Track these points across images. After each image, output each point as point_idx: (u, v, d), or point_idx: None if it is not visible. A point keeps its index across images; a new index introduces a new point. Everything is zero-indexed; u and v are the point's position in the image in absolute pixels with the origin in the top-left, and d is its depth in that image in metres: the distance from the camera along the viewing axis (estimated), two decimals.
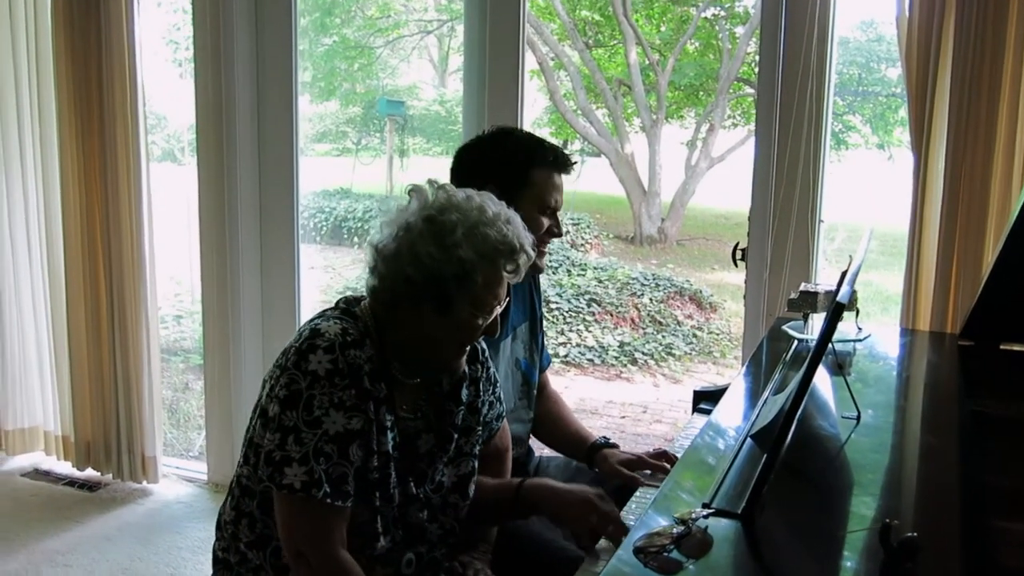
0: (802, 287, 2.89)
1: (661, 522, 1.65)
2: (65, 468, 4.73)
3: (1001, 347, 2.83)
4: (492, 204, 2.01)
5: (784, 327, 2.94)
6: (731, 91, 11.28)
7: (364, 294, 2.09)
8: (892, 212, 4.14)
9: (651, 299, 9.24)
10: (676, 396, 7.79)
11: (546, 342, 2.92)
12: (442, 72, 12.37)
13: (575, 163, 2.61)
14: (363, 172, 11.18)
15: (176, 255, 6.09)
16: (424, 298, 1.96)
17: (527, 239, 2.01)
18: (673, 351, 8.70)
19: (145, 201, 4.30)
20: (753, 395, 2.49)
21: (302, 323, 2.06)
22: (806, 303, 2.84)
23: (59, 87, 4.29)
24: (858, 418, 2.16)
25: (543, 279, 3.42)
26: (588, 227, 10.93)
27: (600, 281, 9.35)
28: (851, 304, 2.74)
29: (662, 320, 9.10)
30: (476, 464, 2.22)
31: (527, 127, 4.21)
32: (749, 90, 10.98)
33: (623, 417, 7.33)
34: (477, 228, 1.94)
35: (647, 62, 11.17)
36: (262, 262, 4.42)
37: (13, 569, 3.82)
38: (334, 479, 1.89)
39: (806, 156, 3.42)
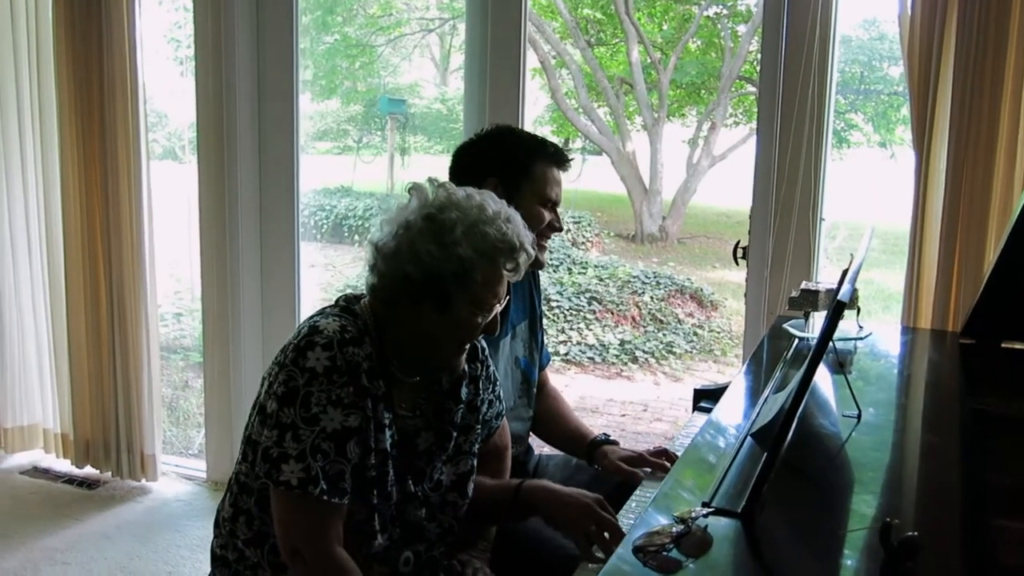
0: (803, 285, 2.88)
1: (661, 521, 1.64)
2: (64, 466, 4.73)
3: (1002, 345, 2.82)
4: (492, 202, 2.00)
5: (785, 325, 2.94)
6: (733, 89, 11.28)
7: (364, 292, 2.09)
8: (894, 210, 4.14)
9: (652, 297, 9.24)
10: (677, 394, 7.79)
11: (546, 340, 2.92)
12: (443, 70, 12.37)
13: (572, 159, 2.62)
14: (364, 170, 11.17)
15: (176, 253, 6.10)
16: (423, 296, 1.96)
17: (527, 237, 2.01)
18: (674, 349, 8.70)
19: (145, 199, 4.29)
20: (754, 393, 2.48)
21: (302, 321, 2.06)
22: (807, 301, 2.83)
23: (60, 85, 4.29)
24: (859, 416, 2.16)
25: (543, 277, 3.42)
26: (589, 225, 10.93)
27: (601, 279, 9.35)
28: (852, 302, 2.73)
29: (663, 318, 9.09)
30: (475, 463, 2.22)
31: (528, 125, 4.21)
32: (751, 88, 10.98)
33: (623, 415, 7.33)
34: (477, 226, 1.94)
35: (649, 60, 11.17)
36: (262, 260, 4.41)
37: (12, 567, 3.82)
38: (331, 476, 1.89)
39: (807, 154, 3.41)
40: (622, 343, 8.66)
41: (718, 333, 9.17)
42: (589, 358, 8.48)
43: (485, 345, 2.27)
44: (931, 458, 2.04)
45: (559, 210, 2.58)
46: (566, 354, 8.46)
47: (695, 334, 9.02)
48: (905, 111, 3.23)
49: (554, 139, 2.93)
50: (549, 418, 2.84)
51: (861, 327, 2.91)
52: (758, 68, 3.60)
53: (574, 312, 8.88)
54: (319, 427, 1.88)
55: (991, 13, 2.95)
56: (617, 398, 7.73)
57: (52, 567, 3.84)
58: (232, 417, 4.44)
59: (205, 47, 4.21)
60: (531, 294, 2.77)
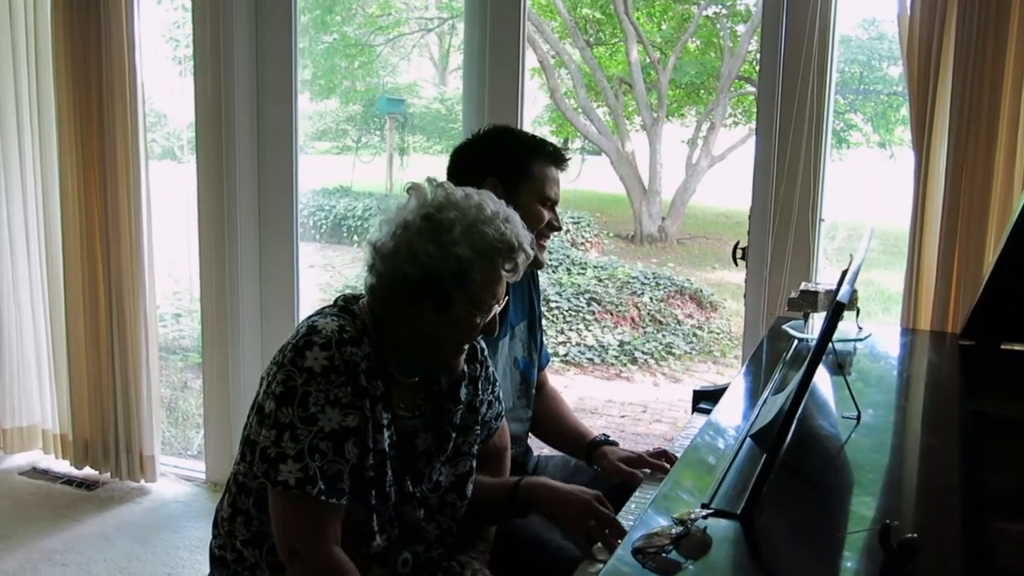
0: (802, 286, 2.88)
1: (660, 522, 1.64)
2: (63, 467, 4.72)
3: (1002, 347, 2.82)
4: (491, 202, 2.00)
5: (784, 326, 2.94)
6: (732, 89, 11.28)
7: (363, 292, 2.08)
8: (893, 211, 4.13)
9: (651, 298, 9.24)
10: (676, 395, 7.78)
11: (545, 341, 2.92)
12: (442, 70, 12.37)
13: (570, 158, 2.62)
14: (363, 170, 11.17)
15: (175, 253, 6.09)
16: (422, 296, 1.96)
17: (526, 238, 2.01)
18: (673, 350, 8.69)
19: (144, 199, 4.29)
20: (753, 395, 2.48)
21: (300, 321, 2.05)
22: (806, 302, 2.83)
23: (58, 85, 4.28)
24: (858, 418, 2.15)
25: (543, 277, 3.43)
26: (588, 226, 10.93)
27: (600, 280, 9.34)
28: (851, 303, 2.73)
29: (662, 319, 9.09)
30: (474, 464, 2.22)
31: (527, 125, 4.21)
32: (750, 88, 10.98)
33: (623, 416, 7.32)
34: (475, 226, 1.94)
35: (648, 60, 11.17)
36: (261, 260, 4.41)
37: (10, 568, 3.81)
38: (329, 476, 1.89)
39: (807, 154, 3.41)
40: (621, 344, 8.66)
41: (717, 334, 9.17)
42: (588, 359, 8.47)
43: (484, 346, 2.27)
44: (931, 460, 2.04)
45: (557, 209, 2.58)
46: (565, 355, 8.46)
47: (694, 335, 9.02)
48: (905, 111, 3.22)
49: (553, 139, 2.93)
50: (548, 418, 2.83)
51: (860, 328, 2.91)
52: (757, 68, 3.60)
53: (573, 313, 8.88)
54: (317, 427, 1.88)
55: (990, 13, 2.95)
56: (616, 399, 7.72)
57: (51, 568, 3.83)
58: (231, 418, 4.43)
59: (204, 47, 4.21)
60: (530, 295, 2.77)
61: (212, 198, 4.32)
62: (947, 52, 3.03)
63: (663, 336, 8.87)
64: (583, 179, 11.08)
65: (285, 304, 4.42)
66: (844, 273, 2.29)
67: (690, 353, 8.78)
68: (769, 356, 2.83)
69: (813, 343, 1.86)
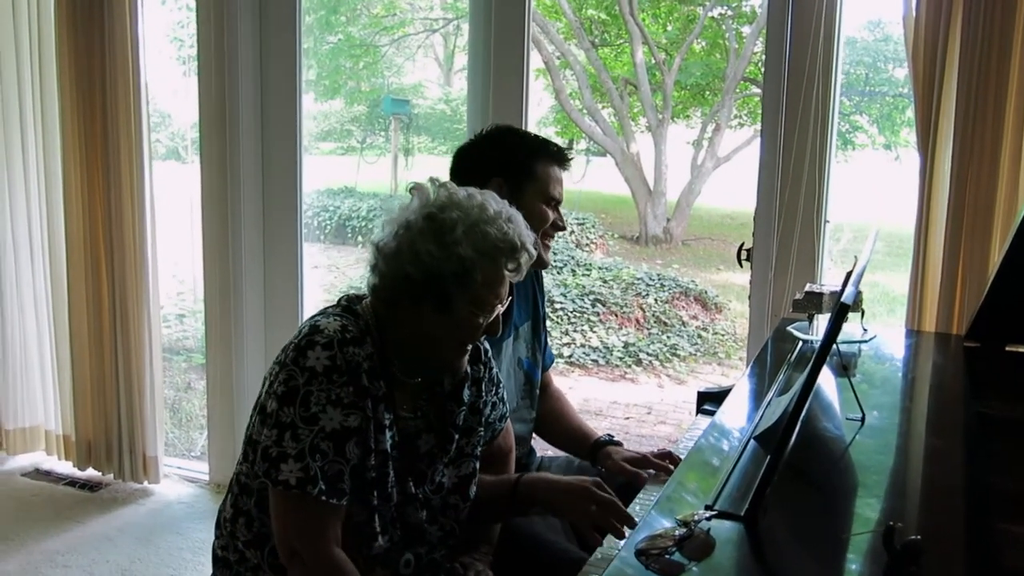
0: (807, 288, 2.88)
1: (664, 523, 1.63)
2: (66, 468, 4.72)
3: (1007, 349, 2.81)
4: (493, 202, 2.00)
5: (789, 328, 2.93)
6: (737, 91, 11.27)
7: (366, 292, 2.08)
8: (898, 213, 4.12)
9: (656, 299, 9.23)
10: (681, 397, 7.78)
11: (550, 342, 2.91)
12: (447, 71, 12.38)
13: (573, 157, 2.62)
14: (367, 171, 11.18)
15: (179, 253, 6.09)
16: (424, 296, 1.95)
17: (529, 238, 2.00)
18: (678, 352, 8.69)
19: (148, 199, 4.29)
20: (757, 396, 2.48)
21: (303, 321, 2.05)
22: (811, 304, 2.83)
23: (62, 84, 4.28)
24: (862, 419, 2.15)
25: (547, 278, 3.43)
26: (593, 227, 10.92)
27: (605, 281, 9.34)
28: (856, 305, 2.73)
29: (667, 321, 9.08)
30: (477, 465, 2.21)
31: (532, 126, 4.20)
32: (756, 90, 10.97)
33: (627, 418, 7.32)
34: (478, 226, 1.93)
35: (653, 61, 11.17)
36: (265, 261, 4.41)
37: (13, 569, 3.81)
38: (330, 476, 1.88)
39: (812, 156, 3.41)
40: (626, 345, 8.65)
41: (722, 335, 9.16)
42: (593, 360, 8.47)
43: (488, 347, 2.26)
44: (935, 461, 2.04)
45: (562, 209, 2.58)
46: (570, 356, 8.45)
47: (699, 336, 9.01)
48: (910, 113, 3.21)
49: (558, 140, 2.93)
50: (552, 419, 2.83)
51: (865, 330, 2.91)
52: (763, 69, 3.59)
53: (578, 314, 8.88)
54: (318, 426, 1.87)
55: (996, 15, 2.94)
56: (621, 400, 7.72)
57: (53, 570, 3.83)
58: (235, 419, 4.43)
59: (208, 47, 4.21)
60: (534, 295, 2.76)
61: (216, 198, 4.32)
62: (952, 54, 3.03)
63: (668, 337, 8.87)
64: (588, 180, 11.09)
65: (289, 305, 4.42)
66: (848, 275, 2.29)
67: (695, 355, 8.77)
68: (773, 358, 2.82)
69: (818, 345, 1.85)
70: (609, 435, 2.71)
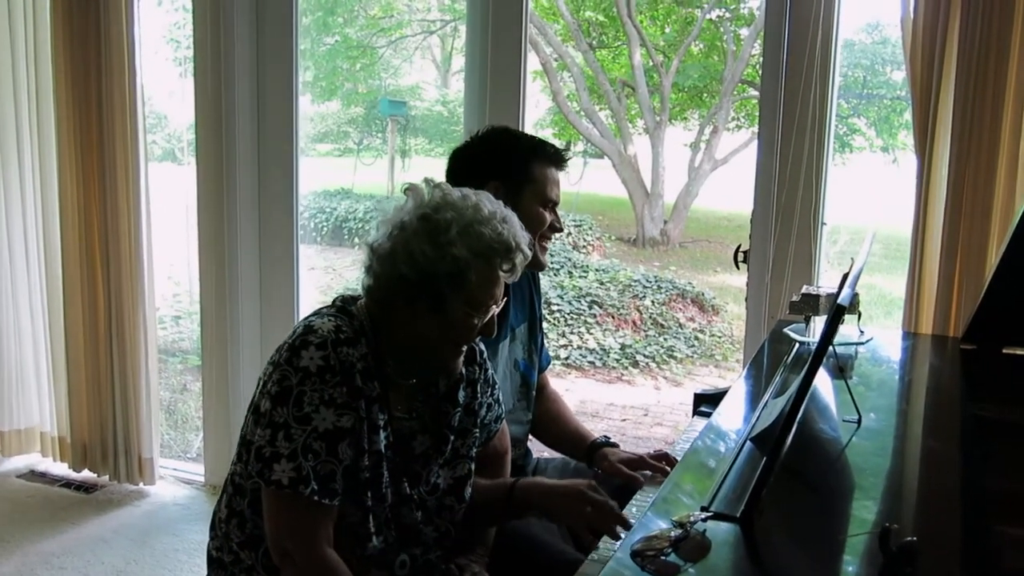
0: (804, 290, 2.87)
1: (660, 525, 1.63)
2: (61, 469, 4.71)
3: (1004, 351, 2.81)
4: (488, 203, 2.00)
5: (786, 330, 2.93)
6: (735, 93, 11.29)
7: (361, 293, 2.08)
8: (896, 215, 4.12)
9: (653, 301, 9.23)
10: (677, 399, 7.77)
11: (546, 343, 2.91)
12: (444, 72, 12.38)
13: (571, 157, 2.61)
14: (364, 172, 11.19)
15: (175, 255, 6.09)
16: (418, 297, 1.95)
17: (524, 238, 2.00)
18: (675, 354, 8.68)
19: (143, 201, 4.28)
20: (754, 398, 2.47)
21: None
22: (808, 306, 2.82)
23: (57, 85, 4.27)
24: (859, 421, 2.14)
25: (544, 280, 3.42)
26: (590, 229, 10.92)
27: (602, 283, 9.34)
28: (853, 307, 2.73)
29: (664, 323, 9.08)
30: (473, 467, 2.21)
31: (530, 128, 4.21)
32: (753, 92, 10.98)
33: (624, 420, 7.31)
34: (472, 226, 1.93)
35: (651, 63, 11.18)
36: (261, 263, 4.40)
37: (8, 571, 3.80)
38: (322, 476, 1.88)
39: (809, 158, 3.41)
40: (623, 347, 8.65)
41: (719, 337, 9.16)
42: (590, 362, 8.47)
43: (483, 348, 2.26)
44: (931, 463, 2.03)
45: (559, 211, 2.57)
46: (566, 358, 8.45)
47: (696, 338, 9.01)
48: (908, 116, 3.21)
49: (555, 142, 2.92)
50: (549, 420, 2.83)
51: (862, 332, 2.90)
52: (760, 72, 3.59)
53: (575, 316, 8.87)
54: (311, 426, 1.87)
55: (993, 17, 2.94)
56: (618, 402, 7.71)
57: (48, 571, 3.82)
58: (230, 420, 4.42)
59: (204, 48, 4.20)
60: (531, 297, 2.76)
61: (212, 200, 4.31)
62: (950, 57, 3.03)
63: (664, 339, 8.86)
64: (585, 182, 11.10)
65: (285, 306, 4.42)
66: (845, 277, 2.28)
67: (692, 357, 8.77)
68: (770, 359, 2.82)
69: (814, 347, 1.85)
70: (605, 437, 2.71)
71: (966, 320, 2.92)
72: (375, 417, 1.98)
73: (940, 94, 3.06)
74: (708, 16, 11.23)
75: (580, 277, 9.48)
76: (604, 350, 8.60)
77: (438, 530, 2.14)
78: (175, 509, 4.41)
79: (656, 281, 9.54)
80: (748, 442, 1.98)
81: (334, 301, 2.11)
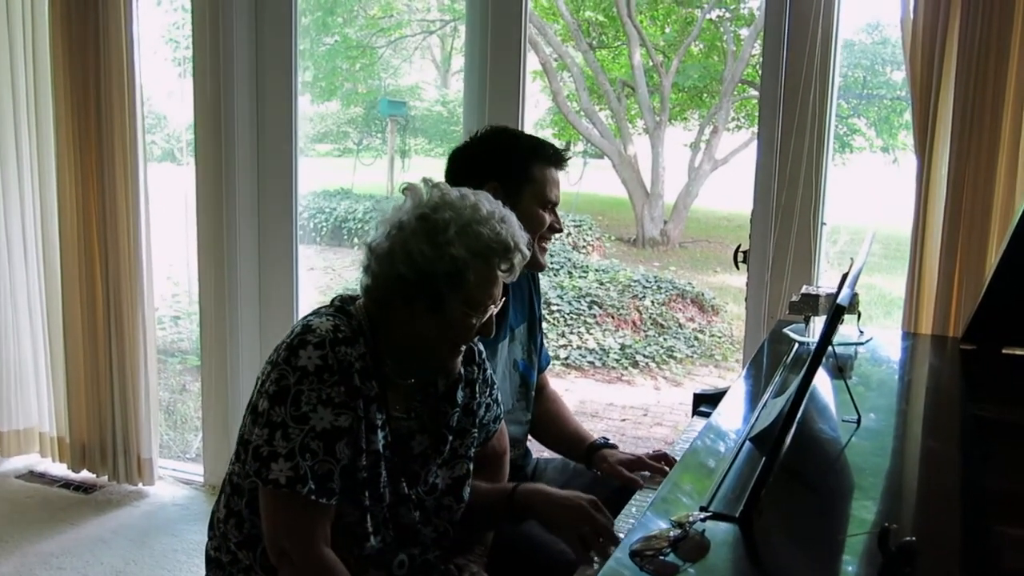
0: (804, 290, 2.87)
1: (659, 525, 1.62)
2: (60, 470, 4.71)
3: (1003, 351, 2.80)
4: (487, 203, 1.99)
5: (785, 330, 2.93)
6: (735, 93, 11.28)
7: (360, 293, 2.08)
8: (896, 215, 4.12)
9: (653, 301, 9.22)
10: (677, 399, 7.77)
11: (546, 343, 2.91)
12: (444, 72, 12.38)
13: (570, 157, 2.61)
14: (364, 173, 11.18)
15: (174, 255, 6.07)
16: (417, 296, 1.95)
17: (522, 238, 2.00)
18: (674, 354, 8.68)
19: (143, 201, 4.28)
20: (753, 398, 2.47)
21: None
22: (807, 306, 2.82)
23: (56, 86, 4.27)
24: (858, 421, 2.14)
25: (543, 280, 3.42)
26: (590, 229, 10.91)
27: (601, 283, 9.33)
28: (852, 307, 2.72)
29: (663, 323, 9.08)
30: (471, 467, 2.21)
31: (529, 128, 4.20)
32: (753, 92, 10.97)
33: (623, 420, 7.31)
34: (470, 226, 1.93)
35: (651, 63, 11.17)
36: (260, 263, 4.40)
37: (6, 572, 3.80)
38: (319, 476, 1.88)
39: (809, 158, 3.40)
40: (623, 347, 8.64)
41: (719, 338, 9.16)
42: (589, 362, 8.46)
43: (482, 348, 2.26)
44: (931, 464, 2.03)
45: (559, 211, 2.57)
46: (566, 358, 8.45)
47: (696, 339, 9.00)
48: (908, 116, 3.21)
49: (555, 142, 2.91)
50: (548, 420, 2.83)
51: (862, 332, 2.90)
52: (760, 72, 3.59)
53: (574, 316, 8.87)
54: (308, 426, 1.87)
55: (993, 18, 2.94)
56: (617, 403, 7.71)
57: (47, 572, 3.82)
58: (229, 421, 4.42)
59: (203, 48, 4.20)
60: (531, 297, 2.76)
61: (211, 200, 4.31)
62: (950, 57, 3.02)
63: (664, 340, 8.86)
64: (585, 182, 11.09)
65: (284, 307, 4.41)
66: (845, 277, 2.28)
67: (691, 357, 8.76)
68: (770, 359, 2.81)
69: (813, 347, 1.84)
70: (604, 438, 2.71)
71: (966, 320, 2.91)
72: (373, 417, 1.98)
73: (940, 94, 3.06)
74: (708, 16, 11.22)
75: (580, 277, 9.47)
76: (604, 350, 8.59)
77: (436, 530, 2.14)
78: (174, 509, 4.40)
79: (656, 281, 9.53)
80: (747, 442, 1.97)
81: (332, 301, 2.11)
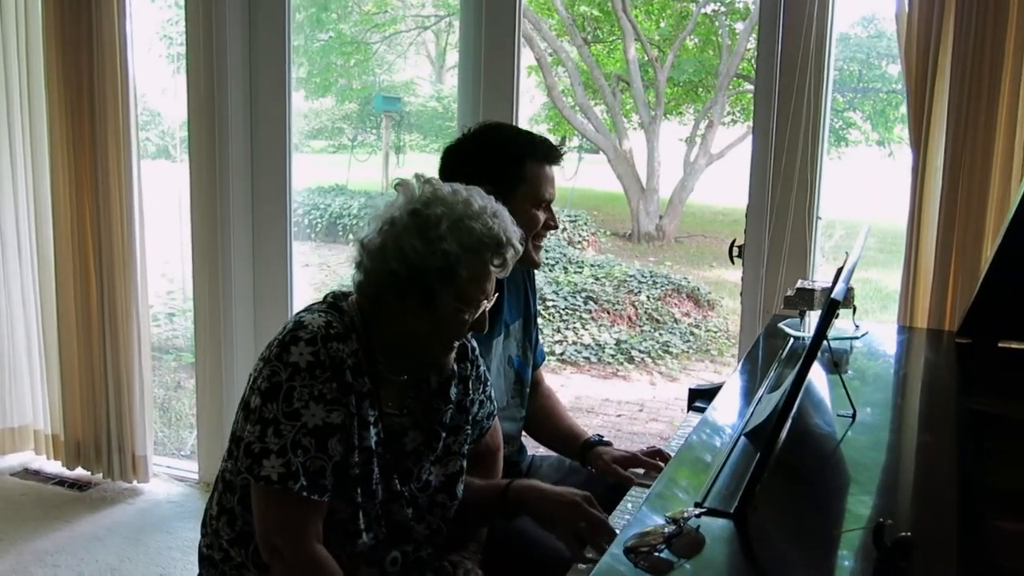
0: (799, 284, 2.86)
1: (654, 521, 1.62)
2: (55, 467, 4.70)
3: (999, 345, 2.80)
4: (479, 198, 1.99)
5: (780, 324, 2.93)
6: (730, 87, 11.29)
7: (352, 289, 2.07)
8: (891, 209, 4.12)
9: (648, 296, 9.23)
10: (673, 394, 7.78)
11: (541, 339, 2.90)
12: (439, 68, 12.37)
13: (564, 153, 2.59)
14: (359, 169, 11.18)
15: (169, 252, 6.07)
16: (409, 292, 1.94)
17: (515, 233, 1.99)
18: (670, 349, 8.68)
19: (136, 198, 4.27)
20: (748, 393, 2.47)
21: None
22: (803, 300, 2.81)
23: (49, 82, 4.25)
24: (854, 416, 2.14)
25: (539, 276, 3.41)
26: (585, 224, 10.92)
27: (597, 278, 9.33)
28: (848, 301, 2.72)
29: (659, 318, 9.08)
30: (464, 464, 2.20)
31: (524, 123, 4.19)
32: (748, 86, 10.98)
33: (619, 415, 7.31)
34: (462, 221, 1.93)
35: (646, 58, 11.17)
36: (254, 259, 4.39)
37: (1, 569, 3.79)
38: (311, 472, 1.88)
39: (804, 152, 3.40)
40: (618, 343, 8.65)
41: (714, 332, 9.16)
42: (585, 358, 8.46)
43: (475, 345, 2.25)
44: (926, 458, 2.03)
45: (553, 207, 2.55)
46: (562, 354, 8.45)
47: (691, 333, 9.01)
48: (903, 109, 3.21)
49: (550, 137, 2.90)
50: (543, 416, 2.82)
51: (857, 326, 2.90)
52: (755, 66, 3.58)
53: (570, 311, 8.87)
54: (300, 422, 1.87)
55: (988, 11, 2.94)
56: (613, 398, 7.71)
57: (42, 569, 3.81)
58: (224, 418, 4.40)
59: (197, 44, 4.19)
60: (526, 293, 2.75)
61: (205, 197, 4.30)
62: (945, 50, 3.02)
63: (660, 335, 8.86)
64: (580, 177, 11.10)
65: (279, 304, 4.40)
66: (840, 271, 2.28)
67: (687, 351, 8.77)
68: (765, 354, 2.81)
69: (809, 341, 1.84)
70: (599, 435, 2.70)
71: (962, 314, 2.91)
72: (365, 413, 1.97)
73: (935, 87, 3.05)
74: (703, 10, 11.24)
75: (575, 272, 9.47)
76: (599, 345, 8.60)
77: (429, 527, 2.13)
78: (169, 507, 4.40)
79: (651, 276, 9.54)
80: (742, 437, 1.97)
81: (325, 297, 2.10)
